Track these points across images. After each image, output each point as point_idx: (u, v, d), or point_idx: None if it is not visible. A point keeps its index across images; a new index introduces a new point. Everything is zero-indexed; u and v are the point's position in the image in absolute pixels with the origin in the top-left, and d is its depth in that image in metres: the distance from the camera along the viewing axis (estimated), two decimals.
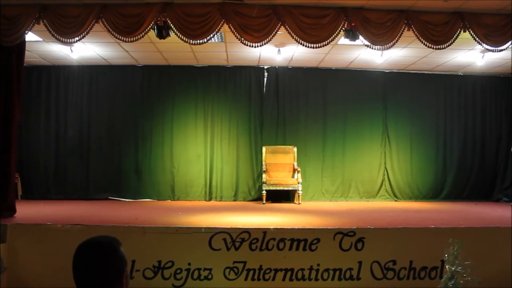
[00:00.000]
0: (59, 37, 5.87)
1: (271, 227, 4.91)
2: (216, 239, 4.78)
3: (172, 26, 5.89)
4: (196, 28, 5.86)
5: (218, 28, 5.89)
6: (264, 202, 8.32)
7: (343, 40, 6.57)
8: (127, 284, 1.76)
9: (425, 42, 6.05)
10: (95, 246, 1.75)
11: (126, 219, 5.80)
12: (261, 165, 8.97)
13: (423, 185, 9.48)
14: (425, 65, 8.99)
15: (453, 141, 9.62)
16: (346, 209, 7.72)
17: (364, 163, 9.44)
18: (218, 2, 5.81)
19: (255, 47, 6.16)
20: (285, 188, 8.56)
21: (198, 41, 5.96)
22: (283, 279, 4.80)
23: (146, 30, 5.83)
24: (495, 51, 6.30)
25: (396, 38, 6.00)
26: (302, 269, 4.81)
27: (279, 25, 5.90)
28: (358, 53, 8.15)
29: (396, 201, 9.32)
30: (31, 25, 5.81)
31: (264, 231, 4.83)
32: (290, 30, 5.91)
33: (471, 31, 6.01)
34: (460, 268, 3.75)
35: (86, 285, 1.69)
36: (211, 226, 4.95)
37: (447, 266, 3.84)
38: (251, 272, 4.78)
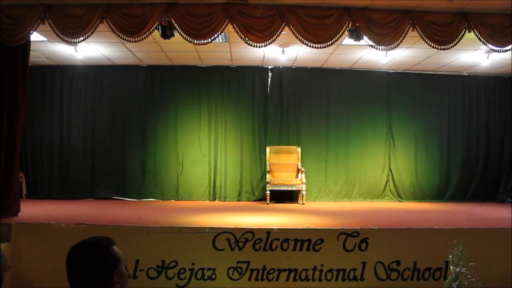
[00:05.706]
0: (64, 37, 5.89)
1: (275, 227, 4.91)
2: (219, 239, 4.79)
3: (176, 26, 5.90)
4: (200, 28, 5.87)
5: (222, 28, 5.89)
6: (268, 202, 8.31)
7: (347, 40, 6.57)
8: (123, 282, 1.75)
9: (430, 43, 6.03)
10: (83, 247, 1.76)
11: (130, 219, 5.80)
12: (265, 165, 8.96)
13: (427, 186, 9.44)
14: (430, 65, 8.96)
15: (457, 141, 9.58)
16: (350, 209, 7.70)
17: (368, 163, 9.42)
18: (222, 2, 5.81)
19: (259, 47, 6.16)
20: (289, 189, 8.55)
21: (202, 41, 5.96)
22: (287, 280, 4.80)
23: (150, 30, 5.84)
24: (500, 52, 6.26)
25: (401, 39, 5.99)
26: (306, 270, 4.81)
27: (283, 25, 5.90)
28: (362, 53, 8.13)
29: (400, 201, 9.29)
30: (36, 25, 5.82)
31: (268, 231, 4.83)
32: (294, 30, 5.90)
33: (476, 31, 5.98)
34: (464, 269, 3.73)
35: (76, 284, 1.70)
36: (215, 226, 4.95)
37: (451, 267, 3.82)
38: (255, 272, 4.78)
